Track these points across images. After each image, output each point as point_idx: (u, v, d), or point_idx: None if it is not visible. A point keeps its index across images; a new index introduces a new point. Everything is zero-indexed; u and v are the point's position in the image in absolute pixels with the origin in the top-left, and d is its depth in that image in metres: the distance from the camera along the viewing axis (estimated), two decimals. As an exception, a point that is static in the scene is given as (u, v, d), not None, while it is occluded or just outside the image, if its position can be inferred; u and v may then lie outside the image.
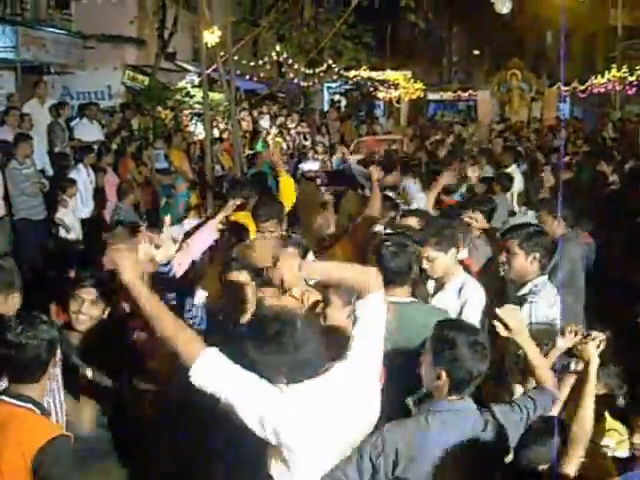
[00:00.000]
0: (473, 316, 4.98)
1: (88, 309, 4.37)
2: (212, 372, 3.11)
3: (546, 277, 5.14)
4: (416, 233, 5.59)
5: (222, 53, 12.52)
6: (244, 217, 6.63)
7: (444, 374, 3.46)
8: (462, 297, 5.12)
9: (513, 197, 10.69)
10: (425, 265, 5.19)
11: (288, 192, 7.45)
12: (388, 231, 5.86)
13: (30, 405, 3.44)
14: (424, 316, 4.47)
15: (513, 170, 11.61)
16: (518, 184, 11.14)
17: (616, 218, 9.59)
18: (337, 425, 3.29)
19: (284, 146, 18.83)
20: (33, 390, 3.48)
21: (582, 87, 32.12)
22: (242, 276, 4.86)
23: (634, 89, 27.28)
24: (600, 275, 8.03)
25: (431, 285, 5.42)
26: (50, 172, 12.40)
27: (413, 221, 6.34)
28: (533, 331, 4.36)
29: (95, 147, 12.91)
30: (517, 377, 4.42)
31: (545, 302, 4.91)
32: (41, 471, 3.31)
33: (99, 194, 12.04)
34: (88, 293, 4.38)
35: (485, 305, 5.12)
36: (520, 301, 4.86)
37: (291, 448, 3.17)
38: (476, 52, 51.71)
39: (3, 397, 3.47)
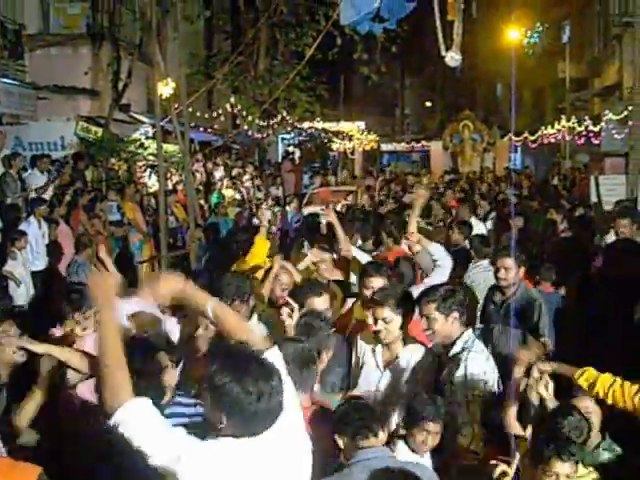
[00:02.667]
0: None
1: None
2: (134, 421, 2.99)
3: (471, 330, 5.05)
4: (377, 292, 5.28)
5: (176, 105, 12.55)
6: None
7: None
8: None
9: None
10: (379, 327, 4.96)
11: (258, 252, 7.55)
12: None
13: None
14: None
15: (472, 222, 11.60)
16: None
17: (568, 265, 9.68)
18: None
19: (237, 197, 18.80)
20: None
21: (533, 137, 32.77)
22: None
23: (583, 139, 27.84)
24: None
25: (379, 351, 5.17)
26: (-1, 224, 12.19)
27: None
28: (469, 385, 4.57)
29: (47, 199, 12.72)
30: None
31: (481, 355, 4.86)
32: None
33: (52, 247, 11.85)
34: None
35: None
36: (456, 361, 4.77)
37: None
38: (428, 104, 52.58)
39: None
